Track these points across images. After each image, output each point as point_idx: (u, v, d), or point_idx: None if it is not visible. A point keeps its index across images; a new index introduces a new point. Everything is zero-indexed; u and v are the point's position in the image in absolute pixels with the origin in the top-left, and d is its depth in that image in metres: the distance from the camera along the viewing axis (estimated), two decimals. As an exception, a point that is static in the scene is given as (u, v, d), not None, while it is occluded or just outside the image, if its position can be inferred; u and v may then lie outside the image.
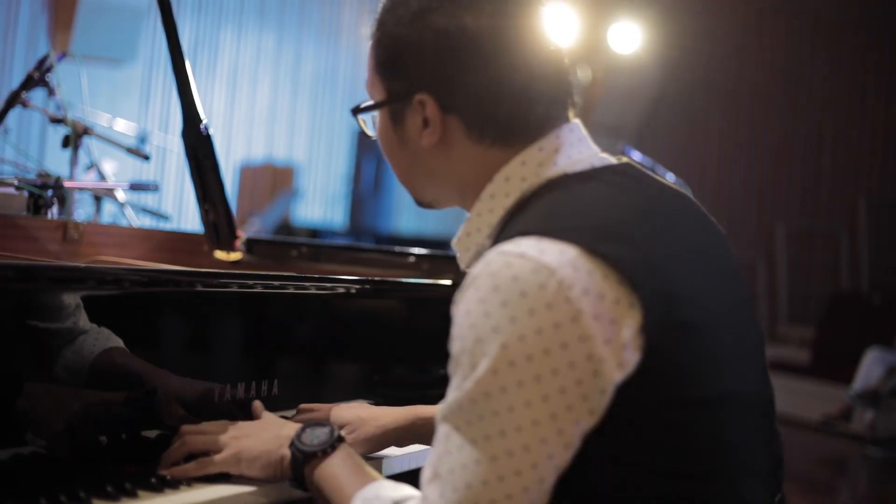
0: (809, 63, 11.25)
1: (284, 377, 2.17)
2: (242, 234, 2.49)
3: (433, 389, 2.56)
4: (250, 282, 2.13)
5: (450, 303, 2.68)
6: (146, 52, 9.39)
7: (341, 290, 2.39)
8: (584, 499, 1.44)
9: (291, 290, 2.23)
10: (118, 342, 1.84)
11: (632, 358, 1.39)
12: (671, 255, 1.49)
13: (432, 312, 2.75)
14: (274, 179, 10.57)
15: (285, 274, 2.24)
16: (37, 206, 2.73)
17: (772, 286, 11.25)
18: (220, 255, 2.34)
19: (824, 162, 11.25)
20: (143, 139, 6.11)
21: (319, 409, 2.12)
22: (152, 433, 1.88)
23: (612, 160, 1.65)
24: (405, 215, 11.45)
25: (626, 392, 1.39)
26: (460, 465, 1.39)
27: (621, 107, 11.08)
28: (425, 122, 1.63)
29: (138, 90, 9.56)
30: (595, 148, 1.65)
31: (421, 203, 1.79)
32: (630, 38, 10.76)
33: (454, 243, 1.69)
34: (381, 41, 1.67)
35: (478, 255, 1.63)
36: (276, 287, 2.19)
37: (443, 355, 2.66)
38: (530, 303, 1.37)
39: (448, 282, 2.77)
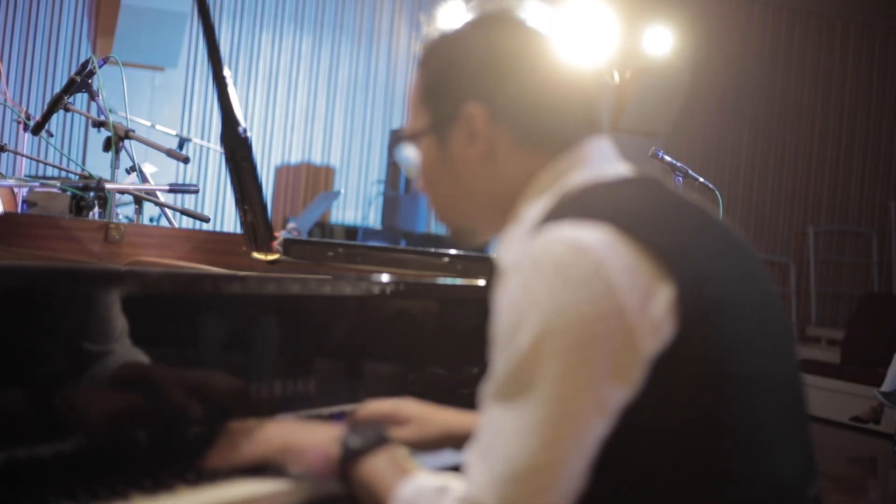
0: (840, 66, 11.20)
1: (320, 377, 2.20)
2: (279, 236, 2.53)
3: (467, 388, 2.59)
4: (287, 282, 2.16)
5: (484, 302, 2.70)
6: (186, 56, 9.45)
7: (377, 291, 2.41)
8: (623, 476, 1.49)
9: (328, 291, 2.26)
10: (142, 360, 1.85)
11: (665, 331, 1.45)
12: (699, 244, 1.56)
13: (466, 312, 2.77)
14: (311, 181, 10.60)
15: (321, 275, 2.26)
16: (79, 207, 2.78)
17: (802, 288, 11.19)
18: (257, 255, 2.37)
19: (855, 163, 11.20)
20: (182, 143, 6.15)
21: (382, 404, 2.13)
22: (191, 430, 1.92)
23: (642, 173, 1.71)
24: (440, 217, 11.44)
25: (661, 368, 1.45)
26: (502, 438, 1.44)
27: (652, 110, 11.02)
28: (471, 137, 1.69)
29: (179, 94, 9.62)
30: (623, 164, 1.72)
31: (458, 234, 1.83)
32: (661, 42, 10.73)
33: (499, 252, 1.72)
34: (426, 69, 1.77)
35: None
36: (313, 288, 2.22)
37: (476, 355, 2.69)
38: (567, 277, 1.44)
39: (482, 282, 2.79)
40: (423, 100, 1.76)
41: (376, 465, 1.73)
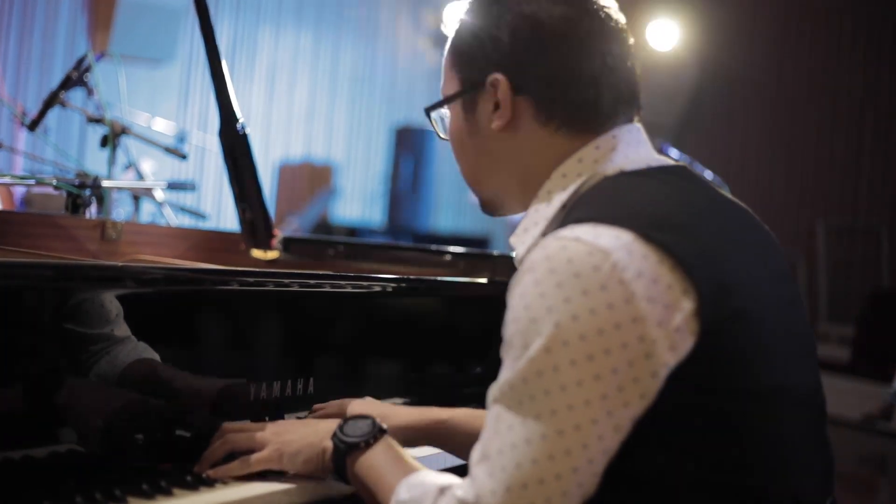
0: (849, 58, 11.15)
1: (319, 376, 2.17)
2: (279, 233, 2.49)
3: (469, 388, 2.56)
4: (286, 280, 2.13)
5: (485, 301, 2.68)
6: (185, 51, 9.42)
7: (377, 289, 2.39)
8: (637, 487, 1.46)
9: (327, 289, 2.23)
10: (153, 355, 1.85)
11: (685, 343, 1.41)
12: (724, 248, 1.52)
13: (468, 310, 2.74)
14: (312, 178, 10.57)
15: (321, 273, 2.24)
16: (75, 205, 2.74)
17: (812, 284, 11.15)
18: (256, 253, 2.34)
19: (864, 158, 11.14)
20: (181, 138, 6.12)
21: (331, 405, 2.13)
22: (188, 431, 1.89)
23: (670, 162, 1.69)
24: (443, 214, 11.44)
25: (679, 379, 1.41)
26: (510, 444, 1.41)
27: (659, 105, 11.01)
28: (496, 106, 1.70)
29: (177, 89, 9.59)
30: (653, 152, 1.70)
31: (485, 202, 1.84)
32: (668, 36, 10.71)
33: (512, 240, 1.71)
34: (459, 33, 1.77)
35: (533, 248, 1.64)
36: (312, 286, 2.19)
37: (478, 353, 2.67)
38: (584, 284, 1.39)
39: (483, 280, 2.76)
40: (454, 66, 1.78)
41: (373, 460, 1.70)
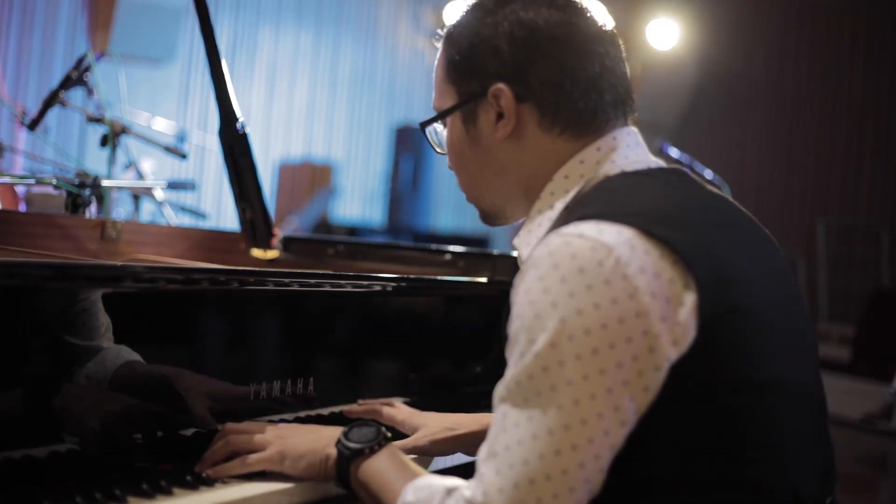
0: (850, 57, 11.14)
1: (320, 376, 2.17)
2: (279, 233, 2.49)
3: (470, 387, 2.56)
4: (286, 280, 2.13)
5: (485, 300, 2.67)
6: (185, 50, 9.42)
7: (377, 288, 2.38)
8: (640, 481, 1.47)
9: (327, 289, 2.23)
10: (138, 358, 1.83)
11: (686, 337, 1.43)
12: (723, 245, 1.54)
13: (468, 310, 2.74)
14: (312, 178, 10.56)
15: (321, 272, 2.24)
16: (75, 204, 2.74)
17: (812, 283, 11.14)
18: (256, 253, 2.34)
19: (865, 157, 11.13)
20: (181, 138, 6.12)
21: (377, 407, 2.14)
22: (188, 431, 1.88)
23: (667, 164, 1.72)
24: (443, 213, 11.43)
25: (681, 372, 1.43)
26: (516, 441, 1.42)
27: (659, 103, 11.00)
28: (499, 116, 1.70)
29: (177, 89, 9.59)
30: (650, 155, 1.72)
31: (487, 213, 1.84)
32: (667, 35, 10.71)
33: (515, 242, 1.73)
34: (453, 45, 1.76)
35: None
36: (312, 285, 2.19)
37: (478, 352, 2.66)
38: (588, 279, 1.41)
39: (483, 280, 2.76)
40: (450, 78, 1.77)
41: (378, 466, 1.70)
